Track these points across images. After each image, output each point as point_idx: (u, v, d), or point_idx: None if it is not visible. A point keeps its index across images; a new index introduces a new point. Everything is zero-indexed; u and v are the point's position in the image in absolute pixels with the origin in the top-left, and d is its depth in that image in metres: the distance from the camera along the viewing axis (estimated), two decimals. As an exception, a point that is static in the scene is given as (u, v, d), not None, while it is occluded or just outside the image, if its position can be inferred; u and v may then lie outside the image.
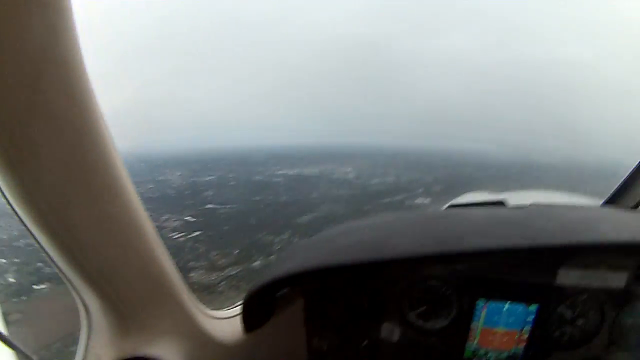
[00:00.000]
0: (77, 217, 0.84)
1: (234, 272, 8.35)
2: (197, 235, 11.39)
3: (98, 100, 0.79)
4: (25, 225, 0.84)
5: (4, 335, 0.74)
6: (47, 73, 0.68)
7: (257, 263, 8.74)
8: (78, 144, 0.78)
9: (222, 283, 8.21)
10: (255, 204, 16.29)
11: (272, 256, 9.35)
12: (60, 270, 0.95)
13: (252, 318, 1.43)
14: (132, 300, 1.05)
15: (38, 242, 0.88)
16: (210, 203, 15.49)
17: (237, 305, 1.51)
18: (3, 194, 0.78)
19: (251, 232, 11.50)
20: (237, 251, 9.69)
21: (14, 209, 0.81)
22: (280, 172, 23.21)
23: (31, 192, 0.76)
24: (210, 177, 20.75)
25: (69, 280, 0.98)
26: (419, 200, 17.04)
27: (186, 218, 13.04)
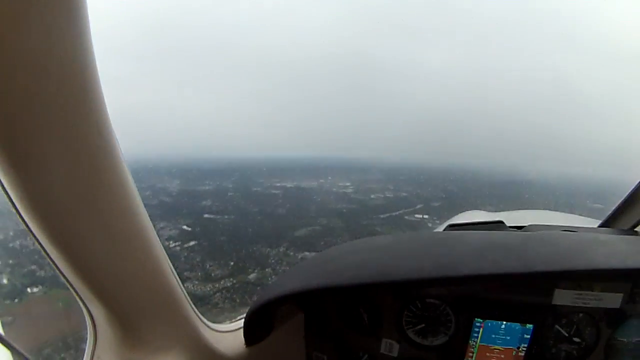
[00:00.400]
0: (87, 232, 0.85)
1: (228, 284, 8.38)
2: (192, 244, 11.31)
3: (108, 112, 0.80)
4: (36, 239, 0.85)
5: (1, 336, 0.74)
6: (63, 89, 0.69)
7: (252, 275, 8.76)
8: (92, 164, 0.80)
9: (216, 294, 8.17)
10: (253, 215, 16.20)
11: (268, 269, 9.35)
12: (69, 282, 0.95)
13: (254, 332, 1.45)
14: (138, 313, 1.07)
15: (48, 255, 0.88)
16: (207, 213, 15.50)
17: (240, 319, 1.52)
18: (16, 208, 0.79)
19: (247, 243, 11.39)
20: (232, 262, 9.75)
21: (25, 223, 0.81)
22: (278, 184, 23.10)
23: (43, 208, 0.78)
24: (209, 187, 20.64)
25: (76, 292, 0.99)
26: (417, 216, 17.02)
27: (183, 227, 12.97)
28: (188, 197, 18.22)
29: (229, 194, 19.74)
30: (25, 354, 0.81)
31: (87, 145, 0.78)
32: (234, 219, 14.98)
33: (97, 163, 0.81)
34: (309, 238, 12.54)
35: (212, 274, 8.90)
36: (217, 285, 8.24)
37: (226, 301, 7.57)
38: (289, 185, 23.48)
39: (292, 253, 10.51)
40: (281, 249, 10.73)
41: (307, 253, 10.39)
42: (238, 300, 7.56)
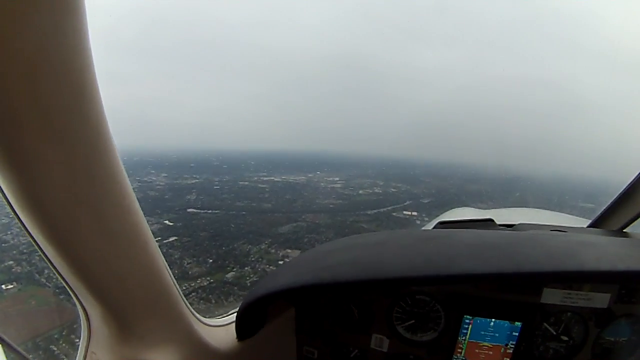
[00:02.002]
0: (84, 231, 0.86)
1: (205, 283, 7.99)
2: (172, 240, 10.95)
3: (105, 112, 0.81)
4: (32, 237, 0.86)
5: None
6: (62, 93, 0.70)
7: (230, 274, 8.42)
8: (88, 163, 0.81)
9: (191, 294, 7.80)
10: (237, 209, 15.86)
11: (247, 267, 8.98)
12: (64, 279, 0.97)
13: (245, 327, 1.49)
14: (133, 309, 1.10)
15: (43, 253, 0.90)
16: (191, 207, 15.10)
17: (232, 313, 1.56)
18: (12, 207, 0.80)
19: (229, 240, 11.02)
20: (211, 260, 9.33)
21: (21, 221, 0.83)
22: (266, 178, 22.79)
23: (41, 208, 0.79)
24: (195, 180, 20.19)
25: (71, 289, 1.02)
26: (406, 213, 16.85)
27: (165, 222, 12.60)
28: (173, 190, 17.77)
29: (215, 187, 19.35)
30: (19, 348, 0.87)
31: (84, 145, 0.78)
32: (217, 214, 14.63)
33: (94, 162, 0.82)
34: (292, 235, 12.25)
35: (189, 272, 8.57)
36: (192, 284, 7.89)
37: (201, 302, 7.28)
38: (276, 179, 23.18)
39: (273, 250, 10.22)
40: (263, 246, 10.41)
41: (289, 250, 10.12)
42: (213, 301, 7.32)
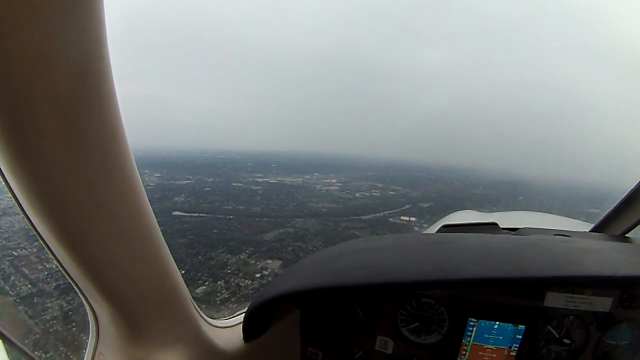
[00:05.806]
0: (98, 234, 0.88)
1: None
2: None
3: (124, 123, 0.82)
4: (42, 239, 0.87)
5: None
6: (81, 96, 0.69)
7: (200, 289, 7.58)
8: (105, 167, 0.82)
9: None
10: (224, 213, 15.21)
11: (220, 281, 8.14)
12: (74, 280, 0.99)
13: (253, 328, 1.54)
14: (143, 311, 1.11)
15: (53, 254, 0.91)
16: (177, 210, 14.44)
17: (239, 314, 1.61)
18: (23, 210, 0.80)
19: (207, 248, 10.25)
20: (183, 272, 8.46)
21: (32, 223, 0.83)
22: (261, 179, 22.25)
23: (56, 211, 0.79)
24: (187, 181, 19.53)
25: (81, 291, 1.04)
26: (404, 218, 16.23)
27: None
28: (162, 191, 17.09)
29: (206, 189, 18.66)
30: (23, 346, 0.86)
31: (102, 148, 0.79)
32: (203, 218, 14.02)
33: (110, 166, 0.83)
34: (277, 242, 11.54)
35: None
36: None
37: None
38: (271, 180, 22.67)
39: (253, 261, 9.43)
40: (242, 256, 9.58)
41: (269, 261, 9.46)
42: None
